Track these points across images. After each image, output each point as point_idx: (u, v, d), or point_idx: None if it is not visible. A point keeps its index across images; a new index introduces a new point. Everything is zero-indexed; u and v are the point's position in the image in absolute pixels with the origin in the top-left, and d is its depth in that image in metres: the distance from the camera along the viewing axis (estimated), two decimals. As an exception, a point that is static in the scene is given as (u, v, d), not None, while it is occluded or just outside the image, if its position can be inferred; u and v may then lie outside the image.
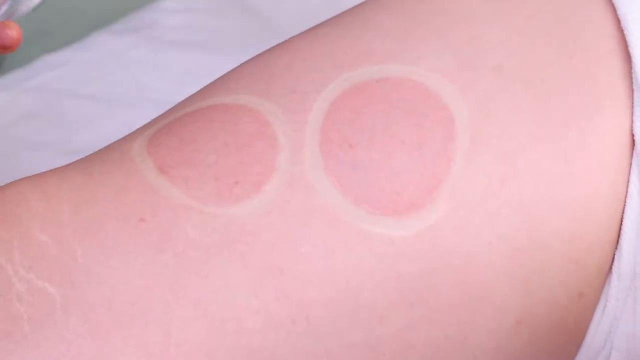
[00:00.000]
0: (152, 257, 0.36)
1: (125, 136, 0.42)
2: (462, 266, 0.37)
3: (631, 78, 0.39)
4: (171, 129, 0.39)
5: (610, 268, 0.39)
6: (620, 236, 0.39)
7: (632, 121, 0.39)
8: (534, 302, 0.38)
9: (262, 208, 0.36)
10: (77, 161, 0.41)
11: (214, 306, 0.35)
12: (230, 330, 0.35)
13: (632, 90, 0.39)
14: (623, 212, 0.39)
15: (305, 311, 0.35)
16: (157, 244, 0.36)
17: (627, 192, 0.39)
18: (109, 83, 0.55)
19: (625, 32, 0.40)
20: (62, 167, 0.41)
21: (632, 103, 0.39)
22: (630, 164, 0.39)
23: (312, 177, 0.37)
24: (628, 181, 0.39)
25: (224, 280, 0.35)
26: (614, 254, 0.39)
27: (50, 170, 0.40)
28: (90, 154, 0.42)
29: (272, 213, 0.36)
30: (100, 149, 0.42)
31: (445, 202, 0.37)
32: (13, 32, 0.36)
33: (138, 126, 0.44)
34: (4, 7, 0.39)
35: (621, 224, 0.39)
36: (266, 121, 0.39)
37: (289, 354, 0.35)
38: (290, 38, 0.43)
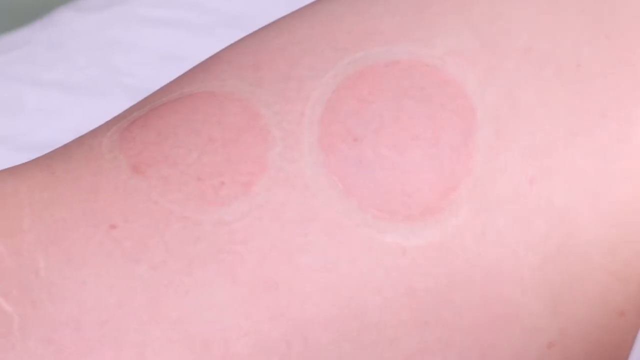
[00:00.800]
0: (126, 269, 0.36)
1: (94, 129, 0.42)
2: (484, 280, 0.37)
3: None
4: (147, 121, 0.39)
5: None
6: None
7: None
8: (568, 321, 0.38)
9: (252, 212, 0.36)
10: (38, 158, 0.41)
11: (197, 326, 0.35)
12: (216, 355, 0.35)
13: None
14: None
15: (302, 332, 0.35)
16: (131, 255, 0.36)
17: None
18: (75, 68, 0.55)
19: None
20: (21, 164, 0.40)
21: None
22: None
23: (310, 176, 0.37)
24: None
25: (208, 296, 0.35)
26: None
27: (7, 169, 0.40)
28: (54, 150, 0.42)
29: (264, 218, 0.36)
30: (65, 144, 0.42)
31: (465, 205, 0.37)
32: None
33: (109, 117, 0.43)
34: None
35: None
36: (257, 112, 0.38)
37: (284, 381, 0.35)
38: (284, 17, 0.43)
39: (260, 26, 0.44)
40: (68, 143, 0.42)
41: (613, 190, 0.39)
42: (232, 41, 0.44)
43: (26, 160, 0.42)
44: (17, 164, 0.41)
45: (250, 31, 0.44)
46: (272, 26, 0.43)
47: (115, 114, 0.43)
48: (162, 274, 0.36)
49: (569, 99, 0.39)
